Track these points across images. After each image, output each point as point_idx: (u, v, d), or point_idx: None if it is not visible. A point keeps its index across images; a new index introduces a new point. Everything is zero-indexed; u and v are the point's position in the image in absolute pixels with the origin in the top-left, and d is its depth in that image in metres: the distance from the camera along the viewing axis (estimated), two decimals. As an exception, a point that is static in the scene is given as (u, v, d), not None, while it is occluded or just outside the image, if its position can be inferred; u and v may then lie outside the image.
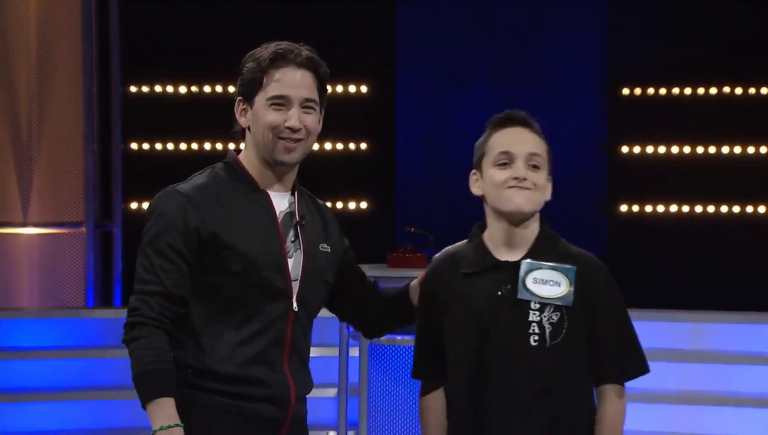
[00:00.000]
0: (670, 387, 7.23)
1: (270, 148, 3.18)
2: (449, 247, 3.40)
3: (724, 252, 8.97)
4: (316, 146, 9.20)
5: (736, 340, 7.30)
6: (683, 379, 7.25)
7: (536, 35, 9.19)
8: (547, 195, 3.26)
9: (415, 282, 3.43)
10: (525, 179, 3.20)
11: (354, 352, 6.69)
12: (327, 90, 3.28)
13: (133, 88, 9.15)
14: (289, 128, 3.16)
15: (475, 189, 3.32)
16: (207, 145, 9.15)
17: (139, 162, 9.05)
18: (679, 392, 7.19)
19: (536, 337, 3.17)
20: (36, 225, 8.33)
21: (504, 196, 3.22)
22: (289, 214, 3.25)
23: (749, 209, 9.07)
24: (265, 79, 3.17)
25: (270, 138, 3.17)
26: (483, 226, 3.33)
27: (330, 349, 7.09)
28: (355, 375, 6.64)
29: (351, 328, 6.74)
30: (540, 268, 3.19)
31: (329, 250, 3.32)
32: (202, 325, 3.13)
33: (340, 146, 9.24)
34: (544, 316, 3.18)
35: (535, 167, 3.22)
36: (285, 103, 3.17)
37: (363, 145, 9.26)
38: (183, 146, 9.12)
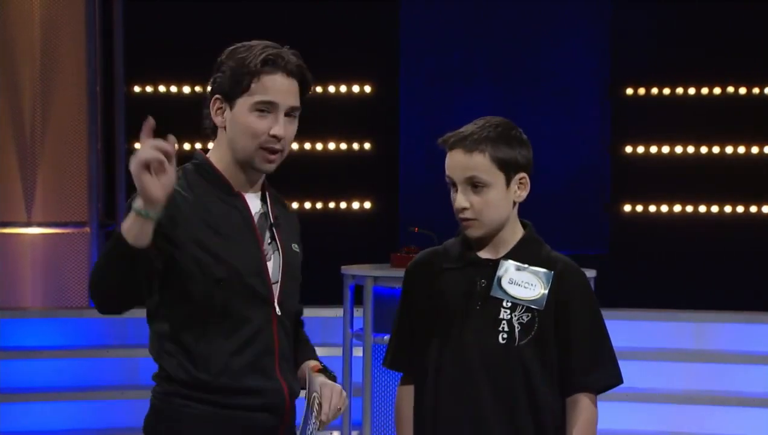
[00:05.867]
0: (673, 387, 7.23)
1: (249, 155, 3.09)
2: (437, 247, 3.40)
3: (728, 252, 8.96)
4: (319, 146, 9.30)
5: (739, 340, 7.30)
6: (686, 379, 7.25)
7: (539, 35, 9.19)
8: (501, 209, 3.21)
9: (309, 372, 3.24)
10: (463, 209, 3.21)
11: (358, 351, 6.69)
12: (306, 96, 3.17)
13: (136, 88, 9.15)
14: (274, 136, 3.06)
15: None
16: (210, 145, 9.15)
17: (142, 162, 9.02)
18: (682, 392, 7.19)
19: (505, 335, 3.17)
20: (40, 225, 8.32)
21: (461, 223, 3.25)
22: (264, 215, 3.16)
23: (753, 209, 9.07)
24: (252, 84, 3.07)
25: (251, 145, 3.08)
26: None
27: (333, 348, 7.08)
28: (358, 375, 6.63)
29: (354, 328, 6.74)
30: (518, 269, 3.20)
31: (299, 251, 3.22)
32: (189, 336, 3.03)
33: (343, 146, 9.24)
34: (515, 316, 3.18)
35: (477, 187, 3.21)
36: (270, 110, 3.07)
37: (366, 145, 9.26)
38: (187, 146, 9.12)
